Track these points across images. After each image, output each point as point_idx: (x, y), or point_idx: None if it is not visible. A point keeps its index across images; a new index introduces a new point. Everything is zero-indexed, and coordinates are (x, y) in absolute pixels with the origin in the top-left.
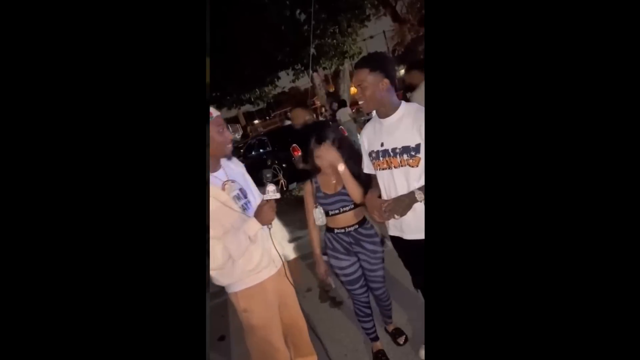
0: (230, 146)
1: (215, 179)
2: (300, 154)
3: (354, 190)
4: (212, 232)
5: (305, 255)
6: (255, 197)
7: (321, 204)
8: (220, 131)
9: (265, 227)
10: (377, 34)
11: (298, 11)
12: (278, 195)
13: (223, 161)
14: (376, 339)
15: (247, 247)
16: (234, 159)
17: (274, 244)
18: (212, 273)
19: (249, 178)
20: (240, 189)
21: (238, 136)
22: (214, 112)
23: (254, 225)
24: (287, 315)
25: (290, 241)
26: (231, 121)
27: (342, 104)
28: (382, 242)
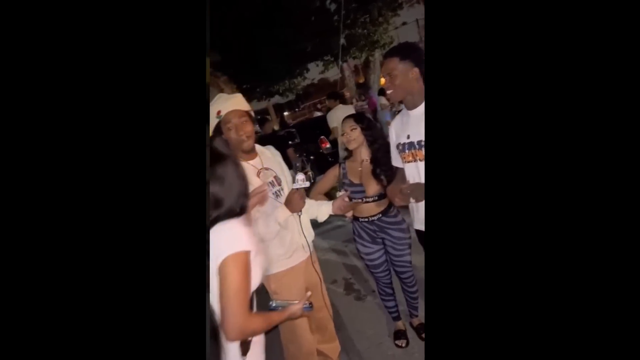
0: (248, 143)
1: (251, 167)
2: (328, 145)
3: (369, 185)
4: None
5: (334, 248)
6: (290, 185)
7: (345, 190)
8: (231, 128)
9: (296, 214)
10: (410, 21)
11: (328, 1)
12: (307, 184)
13: (260, 149)
14: (398, 318)
15: (277, 232)
16: (271, 147)
17: (302, 231)
18: None
19: (285, 167)
20: (275, 177)
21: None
22: (223, 110)
23: (283, 212)
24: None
25: (318, 232)
26: (261, 113)
27: (380, 92)
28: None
